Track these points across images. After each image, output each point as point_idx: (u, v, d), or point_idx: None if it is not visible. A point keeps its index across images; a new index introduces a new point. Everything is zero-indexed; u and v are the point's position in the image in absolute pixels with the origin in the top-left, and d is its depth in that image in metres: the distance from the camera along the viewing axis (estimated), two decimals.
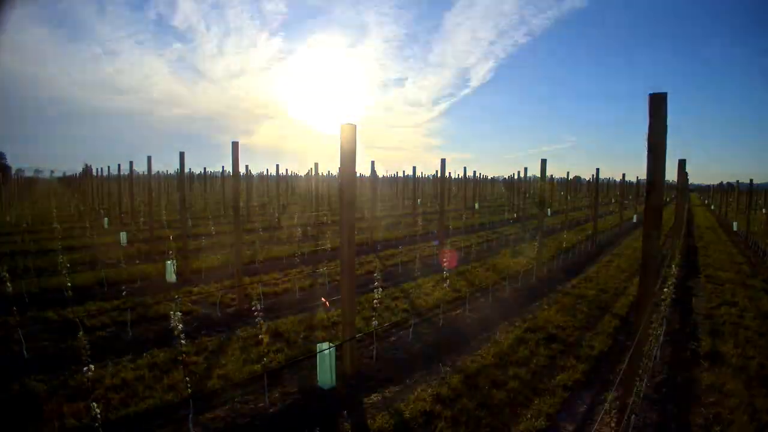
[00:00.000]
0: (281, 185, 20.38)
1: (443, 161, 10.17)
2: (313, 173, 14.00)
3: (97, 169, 24.27)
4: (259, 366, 4.33)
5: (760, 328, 5.76)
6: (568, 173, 26.37)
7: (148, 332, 5.30)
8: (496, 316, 6.18)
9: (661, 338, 4.89)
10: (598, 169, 14.79)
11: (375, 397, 3.91)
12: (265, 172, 36.25)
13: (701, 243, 13.98)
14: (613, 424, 3.42)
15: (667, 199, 34.74)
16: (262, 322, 3.92)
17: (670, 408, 3.82)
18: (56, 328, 5.38)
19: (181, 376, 4.07)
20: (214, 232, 12.89)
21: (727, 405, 3.79)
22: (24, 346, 4.66)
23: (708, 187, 55.42)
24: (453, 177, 38.66)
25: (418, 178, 23.44)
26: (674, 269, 5.32)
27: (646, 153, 2.90)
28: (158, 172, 36.97)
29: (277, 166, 17.66)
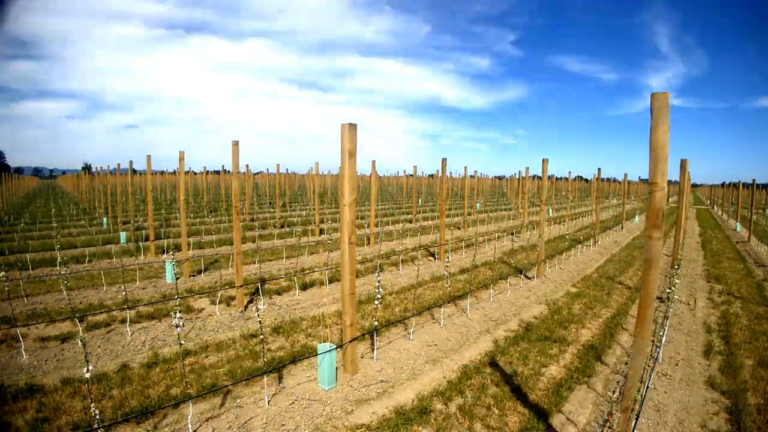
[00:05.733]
0: (281, 184, 20.37)
1: (444, 160, 10.14)
2: (314, 171, 13.97)
3: (96, 168, 24.26)
4: (258, 365, 4.32)
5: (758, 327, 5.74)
6: (569, 172, 26.33)
7: (148, 332, 5.29)
8: (496, 316, 6.17)
9: (663, 338, 4.87)
10: (599, 169, 14.81)
11: (375, 397, 3.89)
12: (265, 171, 36.24)
13: (702, 242, 13.95)
14: (615, 425, 3.40)
15: (669, 199, 34.66)
16: (261, 321, 3.90)
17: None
18: (54, 328, 5.36)
19: (181, 375, 4.06)
20: (214, 231, 12.89)
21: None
22: (23, 346, 4.65)
23: (710, 186, 55.34)
24: (454, 176, 38.71)
25: (419, 177, 23.39)
26: (676, 269, 5.29)
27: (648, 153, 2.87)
28: (156, 172, 36.97)
29: (278, 165, 17.61)
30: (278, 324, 5.60)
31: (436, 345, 5.07)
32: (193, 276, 8.06)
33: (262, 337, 4.06)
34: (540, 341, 5.20)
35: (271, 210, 21.05)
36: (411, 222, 17.41)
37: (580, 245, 12.01)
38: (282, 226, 15.12)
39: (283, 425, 3.42)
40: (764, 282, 8.68)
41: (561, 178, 37.38)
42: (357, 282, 7.55)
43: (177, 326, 3.18)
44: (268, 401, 3.69)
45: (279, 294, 7.06)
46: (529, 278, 8.35)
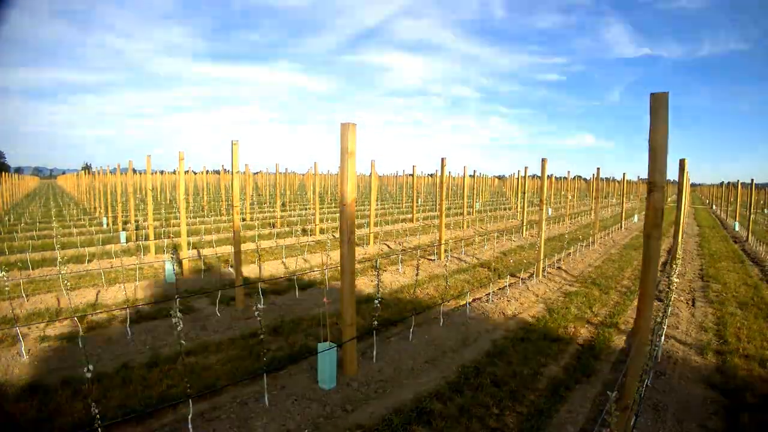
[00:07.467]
0: (280, 184, 20.35)
1: (443, 160, 10.15)
2: (314, 171, 13.99)
3: (96, 167, 24.25)
4: (258, 365, 4.33)
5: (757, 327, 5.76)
6: (569, 172, 26.36)
7: (148, 331, 5.29)
8: (495, 316, 6.18)
9: (662, 338, 4.89)
10: (598, 169, 14.84)
11: (375, 397, 3.90)
12: (265, 171, 36.24)
13: (701, 242, 13.98)
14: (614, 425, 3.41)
15: (668, 199, 34.70)
16: (261, 321, 3.90)
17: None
18: (54, 328, 5.37)
19: (181, 375, 4.07)
20: (214, 231, 12.91)
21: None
22: (23, 346, 4.65)
23: (710, 186, 55.32)
24: (453, 175, 38.71)
25: (419, 176, 23.38)
26: (675, 268, 5.31)
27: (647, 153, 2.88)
28: (156, 172, 36.89)
29: (277, 165, 17.65)
30: (278, 324, 5.61)
31: (435, 344, 5.08)
32: (193, 275, 8.07)
33: (261, 337, 4.07)
34: (539, 341, 5.21)
35: (271, 210, 21.05)
36: (410, 222, 17.42)
37: (579, 244, 12.02)
38: (282, 226, 15.13)
39: (283, 425, 3.43)
40: (762, 281, 8.70)
41: (560, 177, 37.36)
42: (357, 281, 7.56)
43: (177, 326, 3.18)
44: (268, 401, 3.70)
45: (279, 294, 7.07)
46: (529, 278, 8.36)
